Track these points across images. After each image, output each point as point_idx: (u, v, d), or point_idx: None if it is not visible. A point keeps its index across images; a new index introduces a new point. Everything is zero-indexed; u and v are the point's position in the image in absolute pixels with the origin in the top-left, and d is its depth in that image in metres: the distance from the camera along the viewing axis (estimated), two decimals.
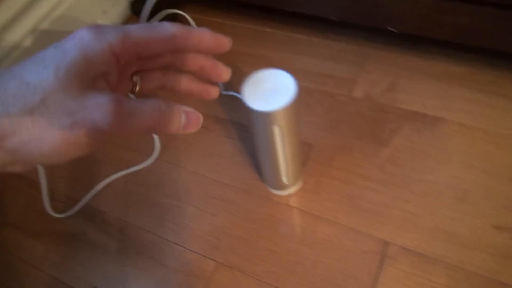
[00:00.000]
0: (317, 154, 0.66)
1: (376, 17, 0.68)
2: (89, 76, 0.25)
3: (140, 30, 0.28)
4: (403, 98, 0.70)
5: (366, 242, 0.57)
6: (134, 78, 0.33)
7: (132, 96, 0.47)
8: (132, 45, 0.28)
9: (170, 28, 0.30)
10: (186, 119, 0.30)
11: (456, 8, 0.59)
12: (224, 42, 0.33)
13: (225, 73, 0.35)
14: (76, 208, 0.68)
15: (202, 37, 0.31)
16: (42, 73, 0.24)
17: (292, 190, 0.62)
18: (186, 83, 0.36)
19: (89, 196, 0.69)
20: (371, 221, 0.59)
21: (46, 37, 0.80)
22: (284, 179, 0.58)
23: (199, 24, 0.88)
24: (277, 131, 0.46)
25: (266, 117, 0.43)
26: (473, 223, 0.56)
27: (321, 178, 0.64)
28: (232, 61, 0.76)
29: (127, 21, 0.95)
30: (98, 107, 0.24)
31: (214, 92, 0.36)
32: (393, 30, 0.69)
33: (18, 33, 0.76)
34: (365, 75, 0.75)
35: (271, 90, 0.40)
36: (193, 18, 0.86)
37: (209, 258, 0.60)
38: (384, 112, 0.69)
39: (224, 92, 0.77)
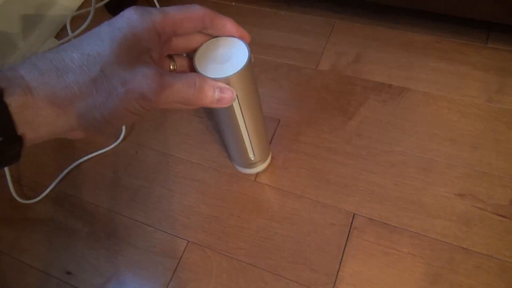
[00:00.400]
0: (284, 129, 0.64)
1: None
2: (137, 51, 0.28)
3: (176, 10, 0.31)
4: (369, 69, 0.68)
5: (334, 215, 0.56)
6: (171, 65, 0.36)
7: None
8: (170, 23, 0.31)
9: (200, 10, 0.32)
10: (219, 94, 0.33)
11: None
12: (244, 35, 0.36)
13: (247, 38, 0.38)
14: (45, 193, 0.65)
15: (226, 24, 0.35)
16: (99, 45, 0.27)
17: (260, 167, 0.60)
18: None
19: (57, 180, 0.66)
20: (339, 194, 0.57)
21: None
22: (251, 156, 0.55)
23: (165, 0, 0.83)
24: (235, 101, 0.42)
25: None
26: (437, 191, 0.55)
27: (289, 153, 0.62)
28: None
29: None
30: (145, 78, 0.27)
31: None
32: None
33: None
34: (332, 47, 0.72)
35: (223, 58, 0.36)
36: None
37: (180, 238, 0.58)
38: (350, 85, 0.67)
39: None
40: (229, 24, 0.35)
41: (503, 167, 0.56)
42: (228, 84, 0.37)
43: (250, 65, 0.38)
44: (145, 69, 0.28)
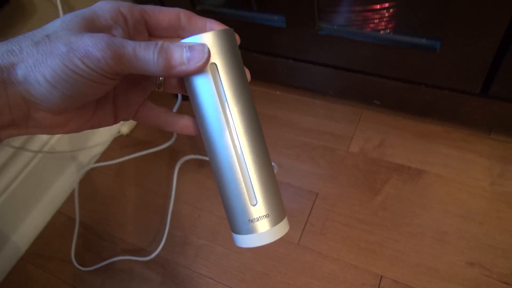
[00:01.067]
0: (322, 201, 0.76)
1: (364, 94, 0.78)
2: (95, 25, 0.26)
3: (150, 5, 0.30)
4: (391, 152, 0.80)
5: (364, 276, 0.66)
6: (158, 80, 0.33)
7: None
8: (139, 10, 0.29)
9: (177, 8, 0.30)
10: (189, 51, 0.27)
11: (422, 90, 0.70)
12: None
13: None
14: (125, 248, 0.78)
15: (206, 22, 0.31)
16: (53, 21, 0.26)
17: (268, 234, 0.31)
18: None
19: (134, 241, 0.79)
20: (368, 258, 0.68)
21: None
22: (252, 197, 0.30)
23: None
24: (214, 72, 0.29)
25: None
26: (450, 260, 0.65)
27: (326, 222, 0.73)
28: None
29: None
30: (92, 39, 0.25)
31: None
32: (378, 103, 0.79)
33: None
34: (360, 133, 0.85)
35: None
36: None
37: None
38: (376, 165, 0.79)
39: None
40: (209, 22, 0.30)
41: (505, 241, 0.65)
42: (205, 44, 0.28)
43: (233, 36, 0.30)
44: (95, 33, 0.25)
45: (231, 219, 0.32)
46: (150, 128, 0.98)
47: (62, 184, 0.89)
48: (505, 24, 0.51)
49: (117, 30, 0.28)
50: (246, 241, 0.31)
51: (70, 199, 0.89)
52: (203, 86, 0.29)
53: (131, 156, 0.89)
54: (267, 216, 0.30)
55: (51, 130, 0.28)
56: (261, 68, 0.85)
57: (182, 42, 0.27)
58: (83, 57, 0.24)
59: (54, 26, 0.26)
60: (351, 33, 0.66)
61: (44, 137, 0.84)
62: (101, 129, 0.96)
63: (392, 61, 0.65)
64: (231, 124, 0.29)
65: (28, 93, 0.25)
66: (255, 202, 0.30)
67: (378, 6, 0.62)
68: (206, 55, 0.27)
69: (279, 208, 0.31)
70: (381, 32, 0.64)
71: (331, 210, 0.75)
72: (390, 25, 0.62)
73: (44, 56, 0.24)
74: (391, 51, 0.64)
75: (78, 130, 0.30)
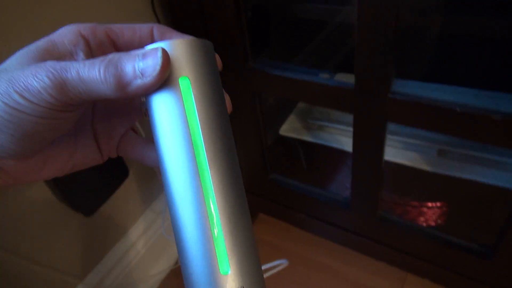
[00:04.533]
0: None
1: (414, 268, 0.85)
2: (51, 54, 0.24)
3: (120, 24, 0.26)
4: None
5: None
6: (142, 98, 0.27)
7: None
8: (103, 30, 0.25)
9: (149, 24, 0.26)
10: (142, 61, 0.21)
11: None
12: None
13: None
14: None
15: (183, 37, 0.26)
16: (8, 58, 0.24)
17: None
18: None
19: None
20: None
21: None
22: (223, 261, 0.21)
23: (270, 238, 1.07)
24: (186, 88, 0.23)
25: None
26: None
27: None
28: (297, 263, 0.93)
29: None
30: (34, 68, 0.22)
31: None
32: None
33: None
34: None
35: None
36: (265, 220, 1.06)
37: None
38: None
39: None
40: (187, 37, 0.25)
41: None
42: (176, 51, 0.23)
43: (211, 50, 0.24)
44: (41, 63, 0.22)
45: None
46: None
47: None
48: None
49: (78, 55, 0.25)
50: None
51: None
52: (167, 106, 0.22)
53: None
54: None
55: (24, 178, 0.25)
56: (323, 229, 0.94)
57: (136, 50, 0.22)
58: (22, 90, 0.21)
59: (5, 63, 0.23)
60: (407, 226, 0.73)
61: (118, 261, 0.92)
62: (159, 260, 1.04)
63: (444, 258, 0.70)
64: (202, 158, 0.22)
65: None
66: (226, 269, 0.21)
67: (430, 204, 0.71)
68: (160, 60, 0.21)
69: (259, 281, 0.22)
70: (434, 229, 0.71)
71: None
72: (441, 223, 0.70)
73: None
74: (443, 248, 0.69)
75: (58, 173, 0.26)
